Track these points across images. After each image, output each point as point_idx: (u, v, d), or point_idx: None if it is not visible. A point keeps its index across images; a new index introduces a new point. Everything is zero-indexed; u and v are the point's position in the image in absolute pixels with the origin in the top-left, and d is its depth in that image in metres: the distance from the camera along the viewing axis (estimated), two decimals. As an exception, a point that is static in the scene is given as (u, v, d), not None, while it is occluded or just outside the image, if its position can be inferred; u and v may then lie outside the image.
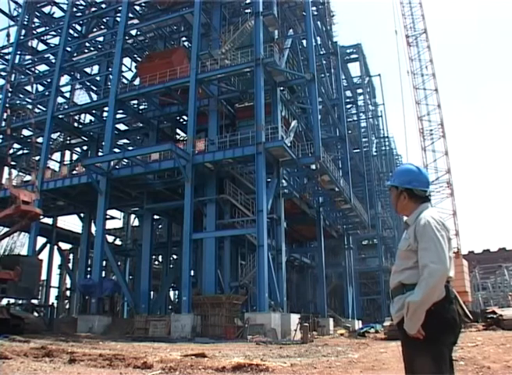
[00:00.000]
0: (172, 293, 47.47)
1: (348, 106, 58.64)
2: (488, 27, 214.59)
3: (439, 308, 2.73)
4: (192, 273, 28.94)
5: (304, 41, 36.86)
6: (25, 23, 39.74)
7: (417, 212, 3.02)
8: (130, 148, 38.58)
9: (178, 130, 38.16)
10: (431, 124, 40.37)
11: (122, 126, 38.94)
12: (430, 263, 2.70)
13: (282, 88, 31.69)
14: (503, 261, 74.47)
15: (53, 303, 37.71)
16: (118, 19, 35.70)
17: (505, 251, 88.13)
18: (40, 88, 41.56)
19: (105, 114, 34.37)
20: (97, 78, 39.85)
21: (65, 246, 44.23)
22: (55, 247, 41.64)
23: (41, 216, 26.81)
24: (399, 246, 3.03)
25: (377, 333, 28.06)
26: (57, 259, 43.75)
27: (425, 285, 2.68)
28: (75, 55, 38.24)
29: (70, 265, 45.16)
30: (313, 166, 30.90)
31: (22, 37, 39.14)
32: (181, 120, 36.41)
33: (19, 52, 39.75)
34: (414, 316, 2.70)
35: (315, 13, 40.69)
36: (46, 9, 40.87)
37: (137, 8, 37.07)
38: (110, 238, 44.45)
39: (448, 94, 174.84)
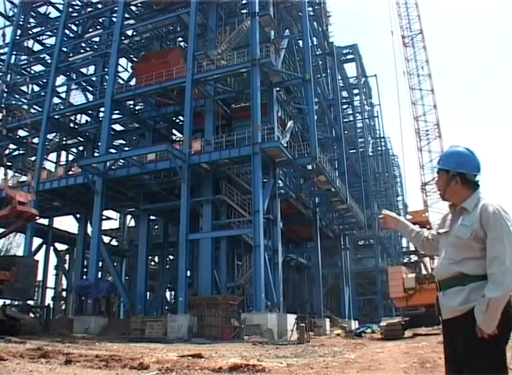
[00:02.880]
0: (168, 293, 47.38)
1: (344, 107, 58.79)
2: (486, 27, 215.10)
3: (507, 307, 2.58)
4: (188, 273, 28.93)
5: (300, 42, 36.84)
6: (21, 23, 39.61)
7: (474, 197, 2.82)
8: (126, 148, 38.48)
9: (174, 131, 38.08)
10: (427, 124, 40.35)
11: (118, 127, 38.82)
12: (505, 255, 2.55)
13: (278, 89, 31.72)
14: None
15: (49, 304, 37.63)
16: (114, 19, 35.63)
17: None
18: (36, 88, 41.40)
19: (101, 114, 34.26)
20: (93, 78, 39.76)
21: (61, 247, 44.18)
22: (51, 247, 41.50)
23: (37, 217, 26.70)
24: (455, 233, 2.80)
25: (373, 334, 28.14)
26: (53, 260, 43.69)
27: (505, 280, 2.52)
28: (71, 55, 38.16)
29: (66, 265, 45.05)
30: (309, 167, 30.96)
31: (17, 37, 39.02)
32: (177, 121, 36.34)
33: (14, 52, 39.62)
34: (494, 314, 2.52)
35: (311, 14, 40.75)
36: (42, 9, 40.91)
37: (133, 8, 37.01)
38: (106, 239, 44.29)
39: (444, 94, 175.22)
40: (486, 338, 2.54)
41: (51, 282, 44.60)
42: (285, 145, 28.49)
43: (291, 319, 24.43)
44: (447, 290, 2.78)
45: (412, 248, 33.67)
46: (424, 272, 24.98)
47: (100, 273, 34.79)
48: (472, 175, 2.87)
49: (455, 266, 2.74)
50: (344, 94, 60.84)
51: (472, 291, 2.65)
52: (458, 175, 2.87)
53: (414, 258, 28.93)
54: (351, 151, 56.54)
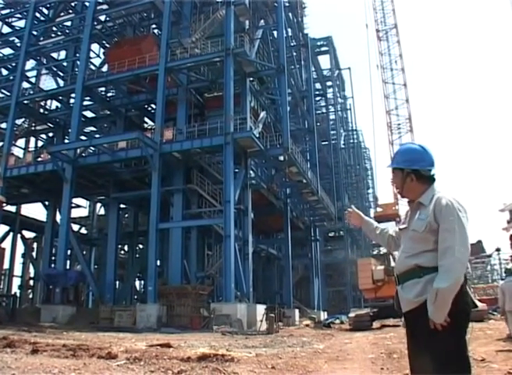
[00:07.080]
0: (137, 283, 47.12)
1: (317, 98, 59.04)
2: (461, 24, 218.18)
3: (461, 295, 2.62)
4: (158, 263, 28.84)
5: (275, 32, 36.79)
6: (-12, 4, 38.69)
7: (430, 192, 2.86)
8: (97, 135, 37.88)
9: (146, 119, 37.81)
10: (399, 118, 40.84)
11: (89, 114, 38.31)
12: (455, 246, 2.59)
13: (251, 79, 31.66)
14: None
15: (16, 293, 37.03)
16: (86, 3, 34.91)
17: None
18: (5, 72, 40.48)
19: (72, 101, 33.70)
20: (64, 64, 38.96)
21: (28, 234, 43.46)
22: (19, 235, 40.81)
23: (4, 204, 26.28)
24: (412, 227, 2.84)
25: (342, 324, 28.43)
26: (20, 248, 42.93)
27: (454, 270, 2.56)
28: (41, 39, 37.21)
29: (34, 254, 44.35)
30: (281, 158, 31.07)
31: (-15, 19, 38.10)
32: (149, 109, 36.05)
33: (-18, 35, 38.67)
34: (443, 304, 2.55)
35: (287, 4, 40.60)
36: (12, -9, 39.80)
37: (107, -7, 36.32)
38: (75, 227, 43.64)
39: (417, 88, 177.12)
40: (440, 328, 2.57)
41: (18, 270, 43.81)
42: (257, 136, 28.50)
43: (260, 309, 24.52)
44: (405, 283, 2.82)
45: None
46: (392, 264, 25.29)
47: (68, 262, 34.31)
48: (426, 170, 2.92)
49: (411, 259, 2.79)
50: (317, 86, 61.02)
51: (428, 282, 2.67)
52: (413, 172, 2.92)
53: (383, 250, 29.28)
54: (323, 143, 56.86)
